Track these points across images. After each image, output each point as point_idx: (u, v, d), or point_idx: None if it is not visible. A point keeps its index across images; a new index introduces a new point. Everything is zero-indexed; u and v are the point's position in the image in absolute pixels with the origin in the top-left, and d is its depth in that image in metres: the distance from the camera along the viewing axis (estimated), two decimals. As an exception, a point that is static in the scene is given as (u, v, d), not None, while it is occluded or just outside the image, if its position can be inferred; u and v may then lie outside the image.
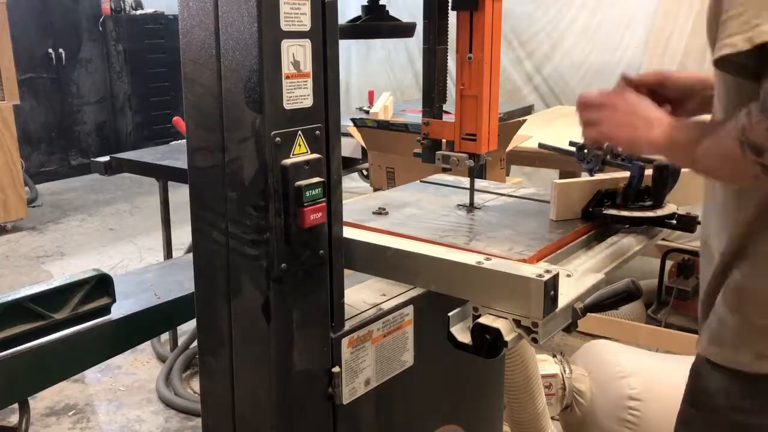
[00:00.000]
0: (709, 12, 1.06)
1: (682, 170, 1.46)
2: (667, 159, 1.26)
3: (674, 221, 1.42)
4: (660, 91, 1.32)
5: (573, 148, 1.57)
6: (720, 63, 0.98)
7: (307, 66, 1.05)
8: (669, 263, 3.57)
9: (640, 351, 2.61)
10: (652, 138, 1.15)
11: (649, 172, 1.47)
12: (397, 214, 1.47)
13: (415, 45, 6.51)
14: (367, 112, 4.04)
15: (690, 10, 5.05)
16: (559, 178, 1.50)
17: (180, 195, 2.85)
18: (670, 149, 1.15)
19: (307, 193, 1.04)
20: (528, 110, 4.39)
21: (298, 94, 1.04)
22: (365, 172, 5.02)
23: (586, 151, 1.52)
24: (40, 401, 3.03)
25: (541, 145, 1.96)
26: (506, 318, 1.07)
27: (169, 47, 7.59)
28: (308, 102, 1.06)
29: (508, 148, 2.87)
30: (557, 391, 2.36)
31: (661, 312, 3.48)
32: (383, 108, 3.86)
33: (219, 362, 1.17)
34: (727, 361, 1.12)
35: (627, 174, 1.48)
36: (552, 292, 1.05)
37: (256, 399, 1.14)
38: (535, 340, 1.06)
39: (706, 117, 1.24)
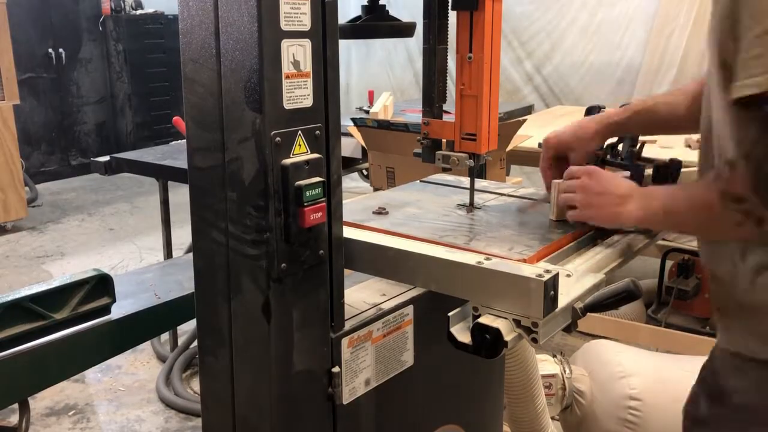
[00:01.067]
0: (716, 30, 1.05)
1: (683, 170, 1.47)
2: (653, 228, 1.32)
3: None
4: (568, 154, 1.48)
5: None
6: (746, 102, 0.98)
7: (307, 66, 1.05)
8: (669, 263, 3.57)
9: (640, 351, 2.61)
10: (630, 213, 1.23)
11: (649, 171, 1.48)
12: (397, 214, 1.47)
13: (415, 45, 6.52)
14: (367, 112, 4.04)
15: (690, 11, 5.06)
16: (560, 178, 1.50)
17: (180, 195, 2.85)
18: (650, 219, 1.22)
19: (307, 193, 1.04)
20: (528, 110, 4.40)
21: (298, 94, 1.04)
22: (365, 172, 5.02)
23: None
24: (40, 401, 3.03)
25: (541, 145, 1.96)
26: (506, 318, 1.07)
27: (169, 47, 7.60)
28: (308, 102, 1.06)
29: (508, 148, 2.88)
30: (557, 391, 2.36)
31: (661, 312, 3.48)
32: (383, 108, 3.87)
33: (219, 362, 1.17)
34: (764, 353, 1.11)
35: (627, 174, 1.48)
36: (552, 292, 1.05)
37: (256, 399, 1.14)
38: (535, 340, 1.06)
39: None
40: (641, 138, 1.55)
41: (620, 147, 1.55)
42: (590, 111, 1.59)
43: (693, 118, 1.31)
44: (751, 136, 0.99)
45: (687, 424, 1.26)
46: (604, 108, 1.57)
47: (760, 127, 0.98)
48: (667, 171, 1.45)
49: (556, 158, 1.51)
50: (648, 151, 1.52)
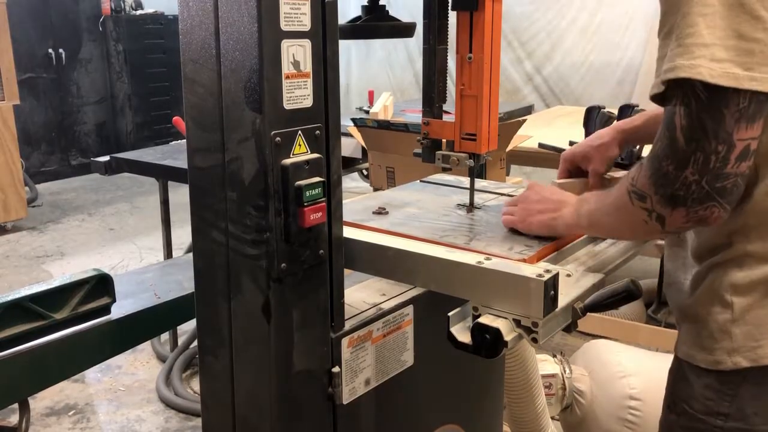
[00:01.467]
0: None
1: None
2: (589, 234, 1.31)
3: None
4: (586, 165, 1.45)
5: None
6: (655, 99, 1.00)
7: (307, 66, 1.05)
8: (669, 263, 3.56)
9: (640, 351, 2.61)
10: (563, 218, 1.24)
11: None
12: (397, 214, 1.47)
13: (415, 45, 6.52)
14: (367, 112, 4.05)
15: (690, 10, 5.04)
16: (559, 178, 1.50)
17: (180, 195, 2.85)
18: (580, 223, 1.21)
19: (307, 193, 1.04)
20: (528, 110, 4.40)
21: (298, 94, 1.04)
22: (365, 172, 5.02)
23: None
24: (40, 401, 3.03)
25: (541, 145, 1.96)
26: (506, 318, 1.07)
27: (169, 47, 7.60)
28: (308, 102, 1.06)
29: (508, 148, 2.87)
30: (557, 391, 2.36)
31: (661, 312, 3.48)
32: (383, 108, 3.87)
33: (219, 362, 1.17)
34: (704, 361, 1.12)
35: (624, 173, 1.48)
36: (552, 292, 1.05)
37: (256, 399, 1.14)
38: (535, 340, 1.06)
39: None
40: None
41: None
42: (590, 111, 1.59)
43: None
44: (658, 134, 1.01)
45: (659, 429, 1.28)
46: (604, 108, 1.57)
47: (663, 125, 0.99)
48: None
49: (572, 172, 1.49)
50: (648, 151, 1.52)
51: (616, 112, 1.58)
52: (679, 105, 0.96)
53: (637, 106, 1.54)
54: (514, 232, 1.34)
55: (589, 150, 1.45)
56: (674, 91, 0.96)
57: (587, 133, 1.57)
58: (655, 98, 0.99)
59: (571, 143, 1.60)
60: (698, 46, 0.92)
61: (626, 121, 1.47)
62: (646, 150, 1.51)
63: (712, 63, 0.91)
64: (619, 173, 1.47)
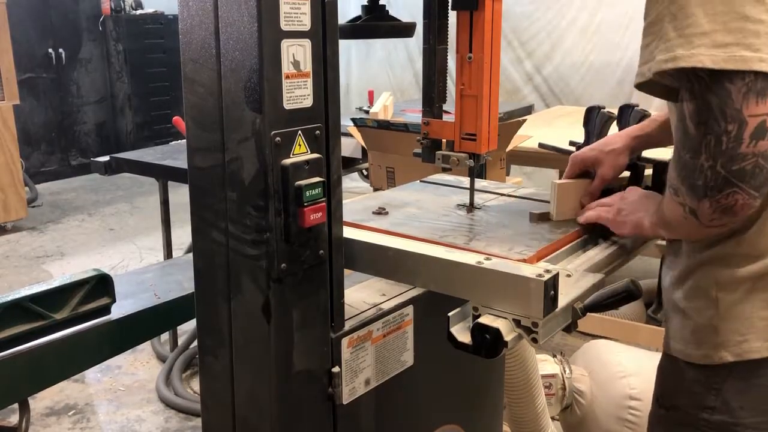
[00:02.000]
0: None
1: None
2: (669, 236, 1.26)
3: None
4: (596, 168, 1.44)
5: (573, 148, 1.57)
6: (641, 87, 1.01)
7: (307, 66, 1.05)
8: (669, 263, 3.56)
9: (640, 351, 2.61)
10: (652, 219, 1.20)
11: (648, 171, 1.48)
12: (397, 214, 1.47)
13: (415, 45, 6.52)
14: (367, 112, 4.05)
15: (690, 10, 5.04)
16: (559, 178, 1.50)
17: (180, 195, 2.85)
18: (660, 222, 1.18)
19: (307, 193, 1.04)
20: (528, 110, 4.40)
21: (298, 94, 1.04)
22: (365, 172, 5.02)
23: None
24: (40, 401, 3.03)
25: (541, 145, 1.96)
26: (506, 318, 1.07)
27: (169, 47, 7.60)
28: (308, 102, 1.06)
29: (508, 148, 2.87)
30: (557, 391, 2.36)
31: (661, 312, 3.48)
32: (383, 108, 3.87)
33: (219, 362, 1.17)
34: (691, 356, 1.14)
35: (627, 173, 1.48)
36: (552, 292, 1.05)
37: (256, 399, 1.14)
38: (535, 340, 1.06)
39: None
40: None
41: None
42: (590, 111, 1.59)
43: None
44: (674, 125, 1.01)
45: (648, 424, 1.29)
46: (605, 108, 1.56)
47: (677, 118, 0.99)
48: (666, 171, 1.44)
49: (580, 175, 1.49)
50: (649, 151, 1.53)
51: (616, 112, 1.58)
52: (684, 92, 0.95)
53: (638, 105, 1.54)
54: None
55: (600, 155, 1.44)
56: (680, 82, 0.96)
57: (587, 134, 1.57)
58: (640, 86, 1.00)
59: (572, 143, 1.60)
60: (697, 35, 0.91)
61: (638, 127, 1.46)
62: (649, 150, 1.53)
63: (714, 49, 0.90)
64: (625, 173, 1.48)
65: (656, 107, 1.47)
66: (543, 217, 1.44)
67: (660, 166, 1.45)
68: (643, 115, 1.50)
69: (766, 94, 0.90)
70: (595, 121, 1.56)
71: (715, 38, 0.90)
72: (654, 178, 1.46)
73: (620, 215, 1.29)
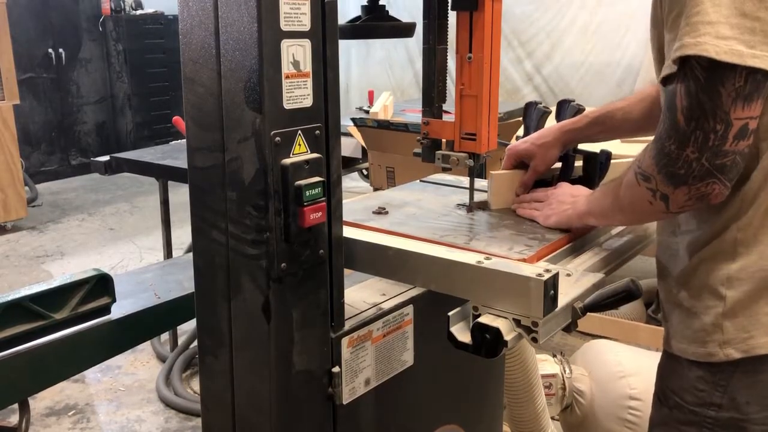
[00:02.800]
0: (652, 18, 1.12)
1: (613, 161, 1.54)
2: (599, 223, 1.36)
3: None
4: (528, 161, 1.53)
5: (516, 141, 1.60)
6: (667, 81, 1.03)
7: (307, 66, 1.05)
8: (669, 263, 3.55)
9: (640, 351, 2.61)
10: (577, 208, 1.33)
11: (579, 163, 1.53)
12: (397, 214, 1.47)
13: (415, 45, 6.52)
14: (367, 112, 4.04)
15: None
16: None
17: (180, 195, 2.85)
18: (591, 210, 1.29)
19: (307, 193, 1.04)
20: (528, 110, 4.39)
21: (298, 94, 1.04)
22: (365, 172, 5.02)
23: None
24: (40, 401, 3.03)
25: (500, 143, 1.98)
26: (506, 317, 1.07)
27: (169, 47, 7.59)
28: (308, 102, 1.06)
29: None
30: (557, 391, 2.36)
31: (661, 311, 3.48)
32: (383, 108, 3.86)
33: (219, 362, 1.17)
34: (695, 355, 1.14)
35: (559, 164, 1.54)
36: (552, 292, 1.05)
37: (256, 399, 1.14)
38: (534, 340, 1.06)
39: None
40: None
41: None
42: (528, 106, 1.64)
43: (646, 122, 1.42)
44: (662, 115, 1.05)
45: (650, 426, 1.29)
46: (574, 101, 1.59)
47: (664, 107, 1.04)
48: (596, 162, 1.51)
49: (516, 167, 1.57)
50: (583, 143, 1.56)
51: None
52: (680, 85, 0.99)
53: (574, 101, 1.59)
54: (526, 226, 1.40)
55: (532, 148, 1.52)
56: (678, 74, 0.99)
57: (526, 127, 1.64)
58: (666, 79, 1.02)
59: (517, 138, 1.63)
60: (704, 24, 0.95)
61: (570, 121, 1.52)
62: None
63: (717, 40, 0.94)
64: (557, 164, 1.54)
65: (598, 107, 1.52)
66: (481, 206, 1.53)
67: (590, 158, 1.52)
68: (578, 110, 1.56)
69: (752, 100, 0.97)
70: (532, 116, 1.60)
71: (719, 30, 0.94)
72: (585, 169, 1.53)
73: (547, 210, 1.39)
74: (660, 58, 1.10)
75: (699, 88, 0.97)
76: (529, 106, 1.63)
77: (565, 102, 1.60)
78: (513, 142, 1.61)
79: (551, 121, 1.56)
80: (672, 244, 1.20)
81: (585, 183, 1.48)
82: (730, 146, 0.98)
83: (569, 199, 1.38)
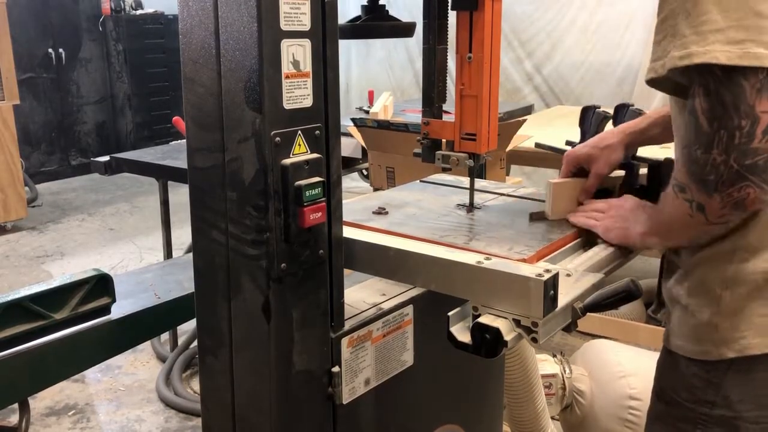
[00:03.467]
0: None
1: None
2: (660, 245, 1.28)
3: None
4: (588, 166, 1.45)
5: (569, 147, 1.57)
6: (653, 83, 1.02)
7: (307, 66, 1.05)
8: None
9: (640, 351, 2.61)
10: (639, 229, 1.24)
11: (644, 170, 1.48)
12: (397, 214, 1.47)
13: (415, 45, 6.51)
14: (367, 112, 4.04)
15: (690, 10, 5.04)
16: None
17: (180, 195, 2.85)
18: (650, 232, 1.21)
19: (307, 193, 1.04)
20: (528, 110, 4.40)
21: (298, 94, 1.04)
22: (365, 172, 5.02)
23: None
24: (40, 401, 3.03)
25: (537, 145, 1.96)
26: (506, 317, 1.07)
27: (169, 47, 7.59)
28: (308, 102, 1.06)
29: (508, 148, 2.88)
30: (557, 391, 2.36)
31: (661, 312, 3.48)
32: (383, 108, 3.86)
33: (219, 362, 1.17)
34: (691, 352, 1.15)
35: (623, 173, 1.48)
36: (552, 292, 1.05)
37: (256, 399, 1.14)
38: (534, 340, 1.06)
39: None
40: None
41: None
42: (586, 111, 1.60)
43: None
44: (683, 122, 1.02)
45: (647, 420, 1.30)
46: (600, 107, 1.57)
47: (687, 114, 1.00)
48: (661, 170, 1.44)
49: (575, 173, 1.49)
50: (645, 151, 1.53)
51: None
52: (698, 88, 0.96)
53: (633, 105, 1.54)
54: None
55: (594, 152, 1.44)
56: (692, 78, 0.97)
57: (583, 133, 1.58)
58: (652, 82, 1.01)
59: (568, 143, 1.60)
60: (712, 32, 0.92)
61: (631, 123, 1.46)
62: (644, 149, 1.53)
63: (729, 46, 0.91)
64: (617, 173, 1.48)
65: (655, 108, 1.48)
66: (539, 216, 1.45)
67: (655, 166, 1.45)
68: (638, 114, 1.51)
69: None
70: (590, 121, 1.57)
71: (729, 35, 0.92)
72: (649, 177, 1.46)
73: (609, 223, 1.31)
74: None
75: (718, 84, 0.93)
76: (587, 111, 1.58)
77: (623, 106, 1.54)
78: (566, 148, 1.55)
79: (609, 127, 1.53)
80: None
81: (647, 192, 1.41)
82: (759, 143, 0.92)
83: (631, 216, 1.28)
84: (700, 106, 0.96)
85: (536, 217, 1.44)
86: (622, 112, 1.54)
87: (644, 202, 1.31)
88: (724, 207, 0.99)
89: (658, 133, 1.42)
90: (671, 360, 1.20)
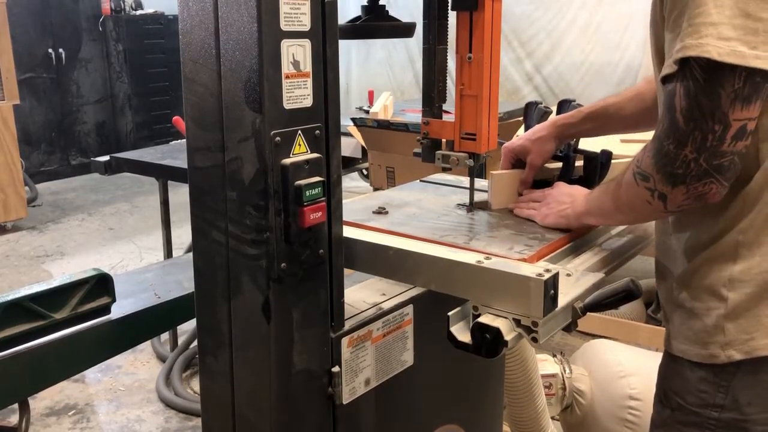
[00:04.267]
0: (652, 19, 1.12)
1: (613, 161, 1.53)
2: (598, 222, 1.37)
3: None
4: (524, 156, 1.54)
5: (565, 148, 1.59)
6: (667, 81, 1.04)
7: (307, 66, 1.05)
8: (669, 263, 3.56)
9: (640, 351, 2.61)
10: (575, 207, 1.34)
11: (580, 162, 1.53)
12: (397, 214, 1.47)
13: (415, 45, 6.52)
14: (367, 112, 4.04)
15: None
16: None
17: (180, 195, 2.85)
18: (589, 209, 1.30)
19: (307, 193, 1.04)
20: (528, 110, 4.39)
21: (298, 94, 1.04)
22: (365, 172, 5.02)
23: None
24: (40, 401, 3.03)
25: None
26: (506, 317, 1.07)
27: (169, 47, 7.59)
28: (308, 102, 1.06)
29: (508, 148, 2.87)
30: (557, 391, 2.36)
31: (661, 312, 3.48)
32: (383, 108, 3.86)
33: (219, 362, 1.17)
34: (697, 356, 1.14)
35: (559, 165, 1.54)
36: (552, 292, 1.05)
37: (256, 399, 1.14)
38: (535, 340, 1.06)
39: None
40: None
41: None
42: (529, 106, 1.65)
43: (638, 118, 1.44)
44: (660, 115, 1.05)
45: (651, 427, 1.29)
46: (574, 101, 1.59)
47: (663, 107, 1.04)
48: (596, 162, 1.51)
49: (514, 164, 1.58)
50: (584, 143, 1.56)
51: None
52: (679, 85, 0.99)
53: (575, 100, 1.59)
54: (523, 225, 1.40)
55: (527, 143, 1.53)
56: (678, 75, 0.99)
57: (526, 127, 1.61)
58: (666, 79, 1.02)
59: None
60: (706, 25, 0.95)
61: (564, 116, 1.52)
62: (583, 142, 1.57)
63: (720, 41, 0.94)
64: (555, 164, 1.55)
65: (593, 103, 1.53)
66: (481, 206, 1.53)
67: (591, 158, 1.52)
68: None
69: (751, 101, 0.97)
70: (533, 116, 1.61)
71: (721, 31, 0.94)
72: (585, 169, 1.53)
73: (545, 210, 1.40)
74: (659, 57, 1.10)
75: (698, 89, 0.97)
76: (530, 106, 1.64)
77: (566, 102, 1.60)
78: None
79: None
80: (672, 246, 1.20)
81: (585, 183, 1.48)
82: (728, 147, 0.99)
83: (567, 198, 1.38)
84: (679, 104, 1.00)
85: (477, 207, 1.53)
86: (565, 107, 1.59)
87: (575, 187, 1.43)
88: (687, 199, 1.04)
89: (590, 128, 1.50)
90: (675, 364, 1.19)
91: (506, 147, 1.57)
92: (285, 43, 1.01)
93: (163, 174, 3.21)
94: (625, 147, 2.86)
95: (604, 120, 1.49)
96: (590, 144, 1.58)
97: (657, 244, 1.27)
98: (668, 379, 1.22)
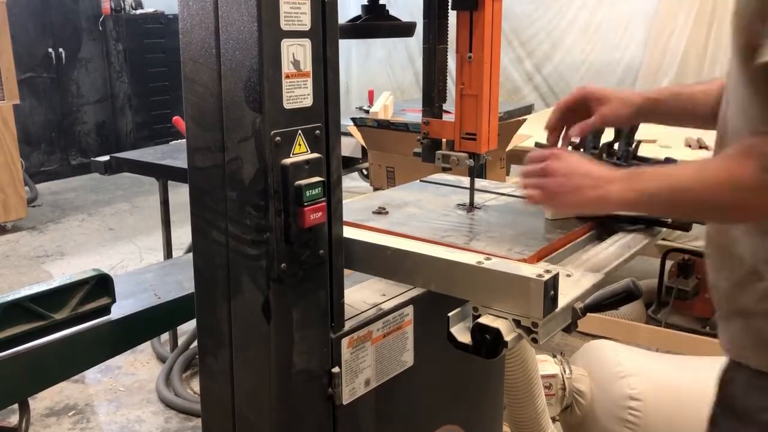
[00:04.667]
0: (741, 14, 1.01)
1: None
2: (649, 212, 1.23)
3: (670, 220, 1.42)
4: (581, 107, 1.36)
5: (569, 148, 1.57)
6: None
7: (307, 66, 1.05)
8: (669, 263, 3.56)
9: (640, 351, 2.61)
10: (614, 196, 1.10)
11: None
12: (397, 214, 1.47)
13: (415, 45, 6.52)
14: (367, 112, 4.04)
15: (690, 10, 5.06)
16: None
17: (180, 195, 2.85)
18: (640, 200, 1.10)
19: (307, 193, 1.04)
20: (528, 110, 4.39)
21: (298, 94, 1.04)
22: (365, 172, 5.02)
23: (582, 150, 1.52)
24: (40, 401, 3.03)
25: (537, 144, 1.95)
26: (506, 318, 1.07)
27: (169, 47, 7.59)
28: (308, 101, 1.06)
29: (508, 148, 2.88)
30: (557, 391, 2.36)
31: (661, 312, 3.48)
32: (383, 107, 3.86)
33: (219, 362, 1.17)
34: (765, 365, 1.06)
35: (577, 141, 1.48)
36: (552, 292, 1.05)
37: (256, 399, 1.14)
38: (535, 340, 1.06)
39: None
40: (638, 137, 1.55)
41: (616, 146, 1.55)
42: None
43: (714, 111, 1.22)
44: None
45: (708, 425, 1.20)
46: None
47: None
48: None
49: (572, 111, 1.37)
50: (645, 150, 1.53)
51: None
52: None
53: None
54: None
55: (610, 93, 1.35)
56: None
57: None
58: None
59: (537, 144, 1.55)
60: None
61: (652, 90, 1.39)
62: (643, 149, 1.53)
63: None
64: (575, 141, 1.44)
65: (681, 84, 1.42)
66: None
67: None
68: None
69: None
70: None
71: None
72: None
73: (562, 192, 1.16)
74: (747, 48, 0.98)
75: None
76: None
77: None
78: (513, 143, 1.56)
79: None
80: (730, 246, 1.11)
81: None
82: None
83: (587, 180, 1.14)
84: None
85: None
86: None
87: (583, 160, 1.19)
88: None
89: (674, 108, 1.34)
90: (738, 372, 1.11)
91: (581, 88, 1.38)
92: (285, 43, 1.01)
93: (163, 174, 3.21)
94: (691, 153, 2.70)
95: (691, 105, 1.32)
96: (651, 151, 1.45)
97: (714, 244, 1.16)
98: (731, 387, 1.13)
